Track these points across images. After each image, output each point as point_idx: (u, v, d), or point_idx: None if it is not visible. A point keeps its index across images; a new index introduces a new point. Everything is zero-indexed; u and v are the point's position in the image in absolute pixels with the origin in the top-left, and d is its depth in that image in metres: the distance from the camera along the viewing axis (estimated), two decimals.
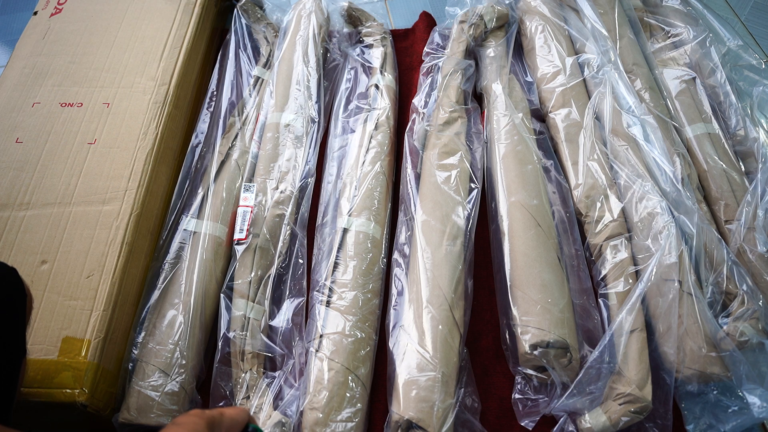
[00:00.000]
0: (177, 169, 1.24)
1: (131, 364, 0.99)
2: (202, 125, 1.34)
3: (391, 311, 1.04)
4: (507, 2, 1.46)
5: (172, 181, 1.22)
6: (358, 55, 1.46)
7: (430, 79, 1.35)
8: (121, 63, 1.28)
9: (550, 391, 0.99)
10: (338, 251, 1.08)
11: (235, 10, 1.52)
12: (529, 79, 1.39)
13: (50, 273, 1.00)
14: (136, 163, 1.12)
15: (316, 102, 1.31)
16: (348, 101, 1.37)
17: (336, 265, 1.07)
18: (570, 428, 0.93)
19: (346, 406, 0.93)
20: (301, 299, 1.07)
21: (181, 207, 1.18)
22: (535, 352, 0.95)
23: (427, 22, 1.57)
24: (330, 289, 1.04)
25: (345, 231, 1.10)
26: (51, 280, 0.99)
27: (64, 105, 1.20)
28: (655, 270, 0.97)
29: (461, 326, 1.00)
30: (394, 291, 1.07)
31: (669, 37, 1.42)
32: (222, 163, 1.22)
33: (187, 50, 1.33)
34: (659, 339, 0.97)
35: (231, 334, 1.01)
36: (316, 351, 0.98)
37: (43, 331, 0.95)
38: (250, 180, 1.19)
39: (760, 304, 0.98)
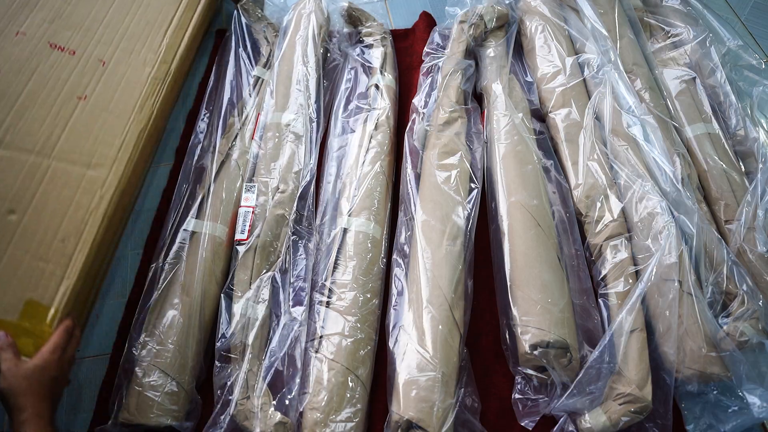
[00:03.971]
0: (154, 155, 1.18)
1: (131, 364, 0.99)
2: (202, 125, 1.34)
3: (391, 311, 1.04)
4: (507, 2, 1.46)
5: (148, 165, 1.15)
6: (358, 55, 1.46)
7: (430, 79, 1.35)
8: (122, 23, 1.21)
9: (550, 391, 0.99)
10: (338, 251, 1.08)
11: (235, 10, 1.52)
12: (529, 79, 1.39)
13: (18, 226, 0.91)
14: (128, 135, 1.05)
15: (316, 102, 1.31)
16: (348, 101, 1.37)
17: (336, 265, 1.07)
18: (570, 428, 0.93)
19: (345, 406, 0.93)
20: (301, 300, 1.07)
21: (181, 207, 1.18)
22: (535, 352, 0.95)
23: (427, 22, 1.57)
24: (330, 290, 1.04)
25: (345, 231, 1.10)
26: (18, 235, 0.91)
27: (53, 46, 1.11)
28: (655, 270, 0.97)
29: (461, 326, 1.00)
30: (394, 291, 1.06)
31: (669, 37, 1.42)
32: (222, 163, 1.22)
33: (191, 36, 1.29)
34: (659, 339, 0.97)
35: (229, 333, 1.01)
36: (316, 351, 0.98)
37: (3, 288, 0.87)
38: (251, 180, 1.19)
39: (760, 304, 0.98)
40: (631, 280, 1.02)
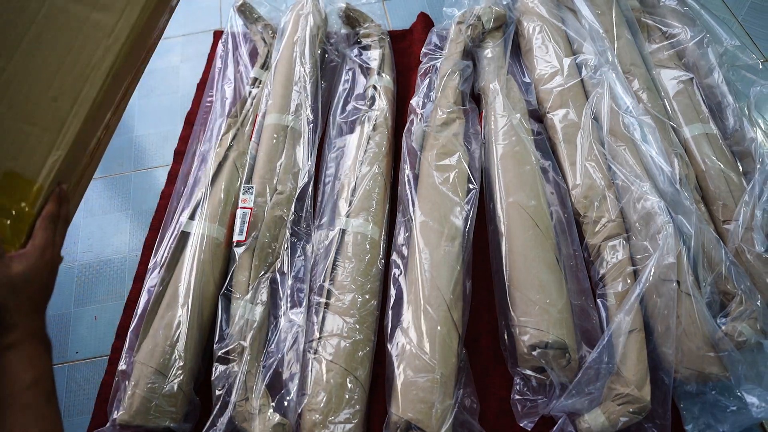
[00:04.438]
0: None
1: (129, 366, 0.99)
2: (200, 126, 1.34)
3: (390, 312, 1.04)
4: (504, 3, 1.46)
5: (168, 16, 0.87)
6: (355, 56, 1.46)
7: (427, 80, 1.35)
8: None
9: (548, 391, 0.99)
10: (336, 252, 1.08)
11: (232, 10, 1.52)
12: (526, 79, 1.39)
13: (2, 74, 0.72)
14: None
15: (313, 103, 1.31)
16: (346, 102, 1.37)
17: (334, 266, 1.07)
18: (569, 429, 0.93)
19: (344, 408, 0.93)
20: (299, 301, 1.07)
21: (179, 208, 1.18)
22: (534, 353, 0.95)
23: (425, 23, 1.57)
24: (328, 291, 1.04)
25: (343, 232, 1.10)
26: (1, 85, 0.72)
27: None
28: (653, 270, 0.97)
29: (460, 327, 1.00)
30: (392, 292, 1.06)
31: (666, 38, 1.43)
32: (220, 165, 1.22)
33: None
34: (658, 339, 0.97)
35: (228, 334, 1.01)
36: (315, 353, 0.98)
37: None
38: (249, 181, 1.19)
39: (758, 304, 0.99)
40: (629, 281, 1.02)
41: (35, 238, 0.69)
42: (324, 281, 1.05)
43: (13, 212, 0.70)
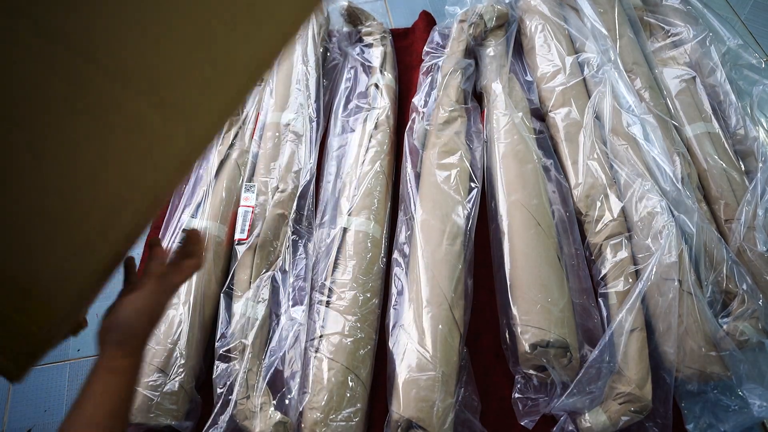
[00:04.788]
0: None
1: None
2: None
3: (391, 311, 1.04)
4: (507, 1, 1.45)
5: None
6: (357, 54, 1.46)
7: (429, 78, 1.34)
8: None
9: (550, 390, 0.99)
10: (338, 251, 1.08)
11: None
12: (528, 78, 1.39)
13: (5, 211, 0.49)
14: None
15: (315, 101, 1.31)
16: (348, 100, 1.37)
17: (336, 264, 1.07)
18: (570, 427, 0.93)
19: (345, 406, 0.93)
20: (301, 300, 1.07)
21: (181, 207, 1.18)
22: (535, 352, 0.95)
23: (427, 21, 1.57)
24: (330, 289, 1.04)
25: (345, 230, 1.10)
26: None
27: None
28: (655, 269, 0.97)
29: (461, 326, 1.00)
30: (394, 290, 1.06)
31: (669, 37, 1.42)
32: (221, 163, 1.22)
33: None
34: (659, 338, 0.97)
35: (229, 333, 1.01)
36: (316, 351, 0.98)
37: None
38: (251, 180, 1.19)
39: (760, 303, 0.98)
40: (631, 280, 1.02)
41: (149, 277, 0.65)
42: (325, 279, 1.05)
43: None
